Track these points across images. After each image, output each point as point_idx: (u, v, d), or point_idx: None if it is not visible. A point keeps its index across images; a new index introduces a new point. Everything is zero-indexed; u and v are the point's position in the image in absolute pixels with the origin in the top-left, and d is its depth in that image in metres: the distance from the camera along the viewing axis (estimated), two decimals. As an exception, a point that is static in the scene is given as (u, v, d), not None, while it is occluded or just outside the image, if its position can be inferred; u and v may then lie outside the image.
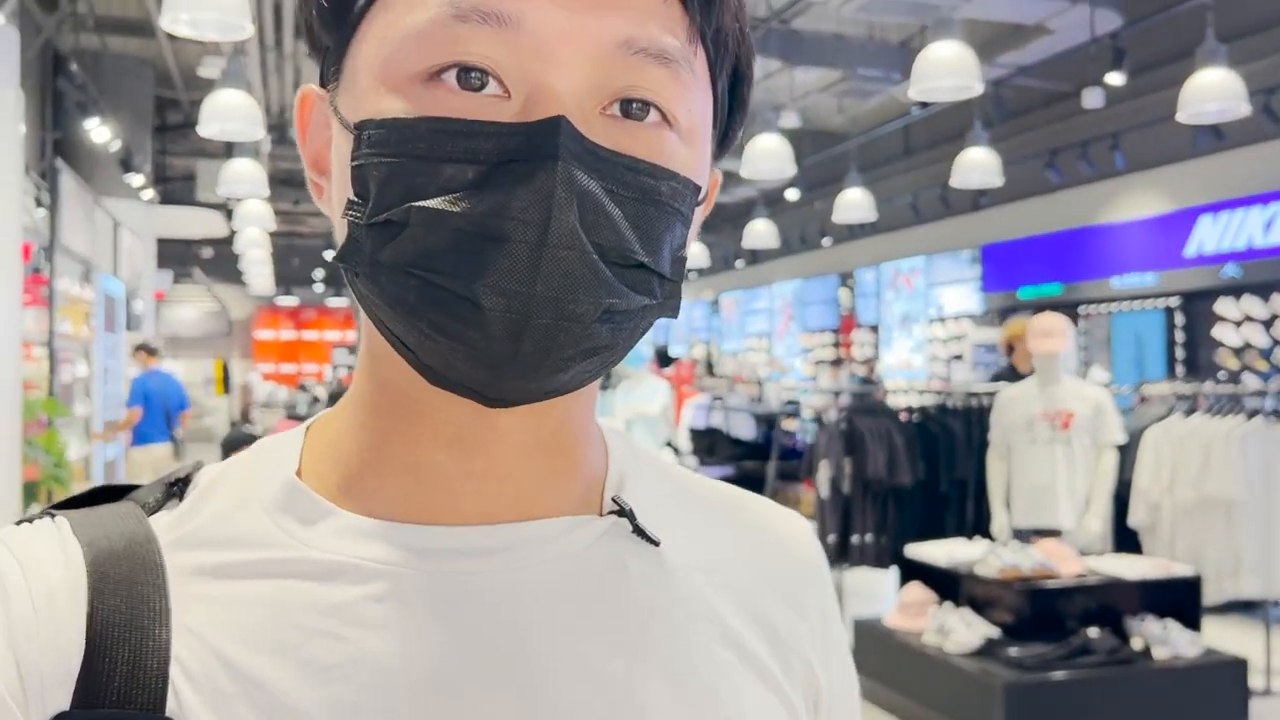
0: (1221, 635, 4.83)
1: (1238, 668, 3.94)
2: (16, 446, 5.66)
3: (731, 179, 11.91)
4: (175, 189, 14.01)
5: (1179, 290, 9.33)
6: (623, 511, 0.53)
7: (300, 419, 3.08)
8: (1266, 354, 8.48)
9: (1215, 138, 8.07)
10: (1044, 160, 9.72)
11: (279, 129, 12.21)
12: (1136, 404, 5.48)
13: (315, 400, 6.84)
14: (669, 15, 0.46)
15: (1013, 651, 3.84)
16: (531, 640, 0.49)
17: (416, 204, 0.43)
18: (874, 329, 14.22)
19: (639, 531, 0.53)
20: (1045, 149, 9.92)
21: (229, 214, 12.78)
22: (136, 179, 9.33)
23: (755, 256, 16.46)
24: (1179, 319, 9.43)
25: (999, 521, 4.65)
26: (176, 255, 19.52)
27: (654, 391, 8.27)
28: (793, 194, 13.41)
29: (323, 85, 0.52)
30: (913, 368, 12.96)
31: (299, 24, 0.54)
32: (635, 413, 8.01)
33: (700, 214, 0.52)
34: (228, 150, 8.81)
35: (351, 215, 0.46)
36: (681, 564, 0.54)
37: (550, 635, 0.49)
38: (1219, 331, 8.88)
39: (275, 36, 9.25)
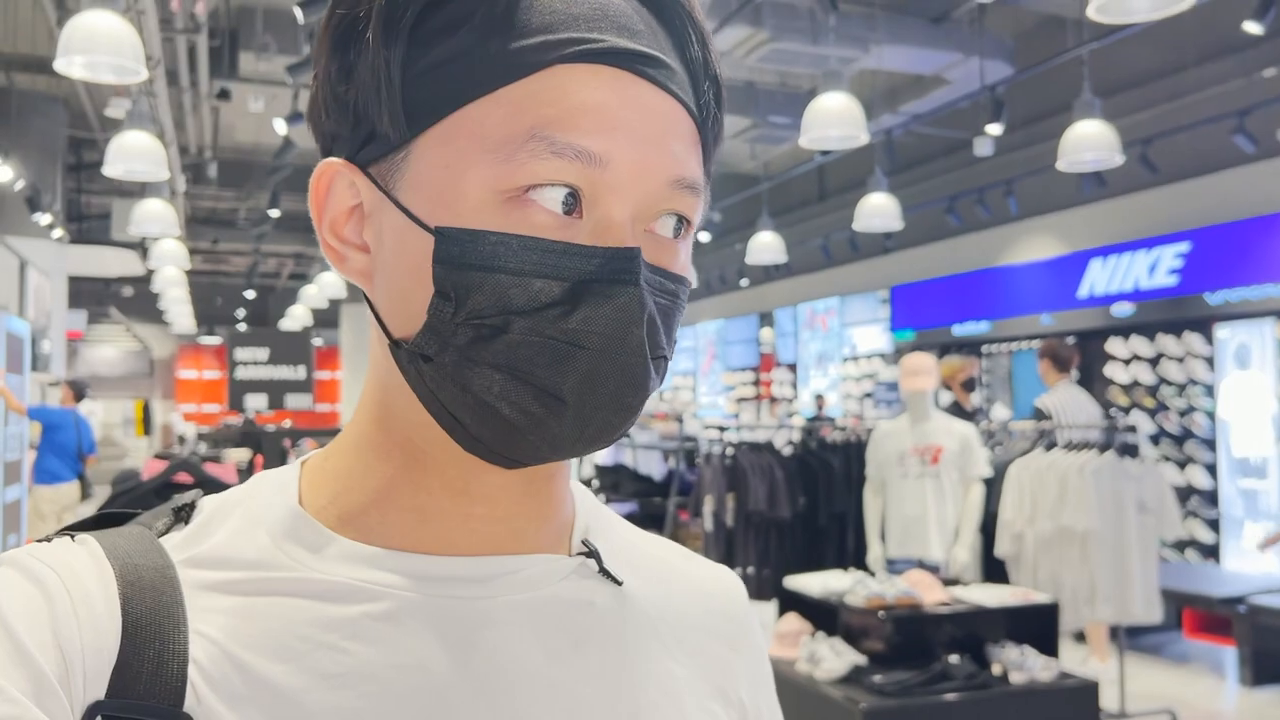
0: (1082, 659, 5.05)
1: (1089, 690, 4.13)
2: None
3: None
4: (91, 228, 13.85)
5: (1073, 330, 9.71)
6: (590, 553, 0.60)
7: (168, 459, 3.14)
8: (1152, 391, 8.86)
9: (1099, 185, 8.48)
10: (945, 205, 10.09)
11: (196, 168, 12.16)
12: (1005, 440, 5.72)
13: (182, 440, 6.89)
14: (696, 151, 0.55)
15: (876, 678, 3.98)
16: (511, 661, 0.54)
17: (515, 315, 0.49)
18: (792, 368, 14.50)
19: (604, 571, 0.60)
20: (945, 195, 10.29)
21: (144, 253, 12.66)
22: (44, 218, 9.24)
23: (679, 296, 16.69)
24: (1073, 358, 9.80)
25: (873, 553, 4.83)
26: (94, 294, 19.18)
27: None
28: (704, 236, 13.68)
29: (355, 162, 0.55)
30: (829, 405, 13.24)
31: (320, 96, 0.56)
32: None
33: None
34: (144, 189, 8.79)
35: (439, 312, 0.51)
36: (639, 603, 0.61)
37: (528, 658, 0.55)
38: (1110, 369, 9.25)
39: (190, 78, 9.29)
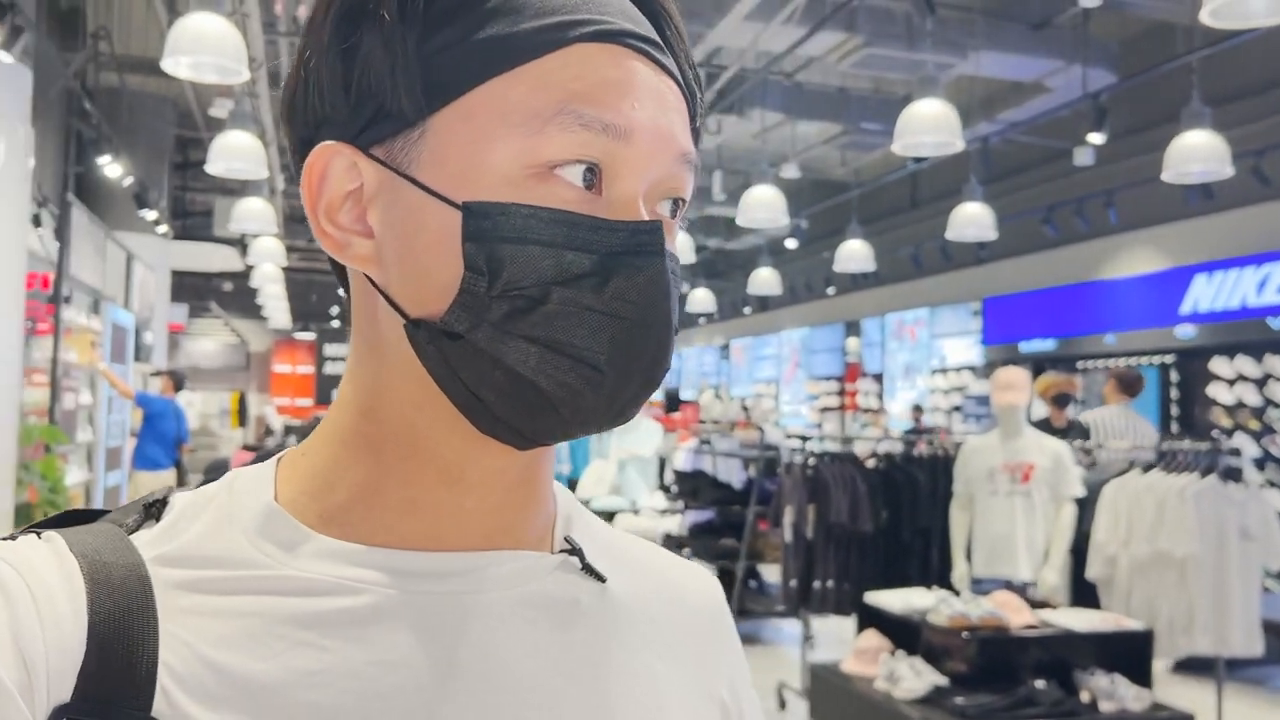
0: (1179, 692, 4.84)
1: (1184, 724, 3.95)
2: (11, 470, 5.82)
3: (738, 226, 12.07)
4: (195, 224, 14.33)
5: (1174, 347, 9.36)
6: (573, 550, 0.59)
7: (256, 450, 3.20)
8: (1258, 413, 8.48)
9: (1206, 198, 8.15)
10: (1042, 216, 9.82)
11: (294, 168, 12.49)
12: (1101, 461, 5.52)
13: (269, 432, 7.08)
14: (687, 124, 0.55)
15: (958, 700, 3.87)
16: (496, 657, 0.53)
17: (553, 285, 0.49)
18: (878, 378, 14.27)
19: (587, 568, 0.59)
20: (1043, 205, 10.02)
21: (244, 249, 13.04)
22: (151, 214, 9.58)
23: (764, 303, 16.59)
24: (1174, 376, 9.45)
25: (959, 571, 4.70)
26: (195, 289, 19.85)
27: (649, 434, 8.34)
28: (791, 243, 13.52)
29: (356, 144, 0.53)
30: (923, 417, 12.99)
31: (313, 78, 0.54)
32: (629, 454, 8.09)
33: None
34: (245, 188, 9.05)
35: (473, 286, 0.50)
36: (622, 600, 0.61)
37: (512, 654, 0.54)
38: (1213, 390, 8.89)
39: (291, 79, 9.54)
